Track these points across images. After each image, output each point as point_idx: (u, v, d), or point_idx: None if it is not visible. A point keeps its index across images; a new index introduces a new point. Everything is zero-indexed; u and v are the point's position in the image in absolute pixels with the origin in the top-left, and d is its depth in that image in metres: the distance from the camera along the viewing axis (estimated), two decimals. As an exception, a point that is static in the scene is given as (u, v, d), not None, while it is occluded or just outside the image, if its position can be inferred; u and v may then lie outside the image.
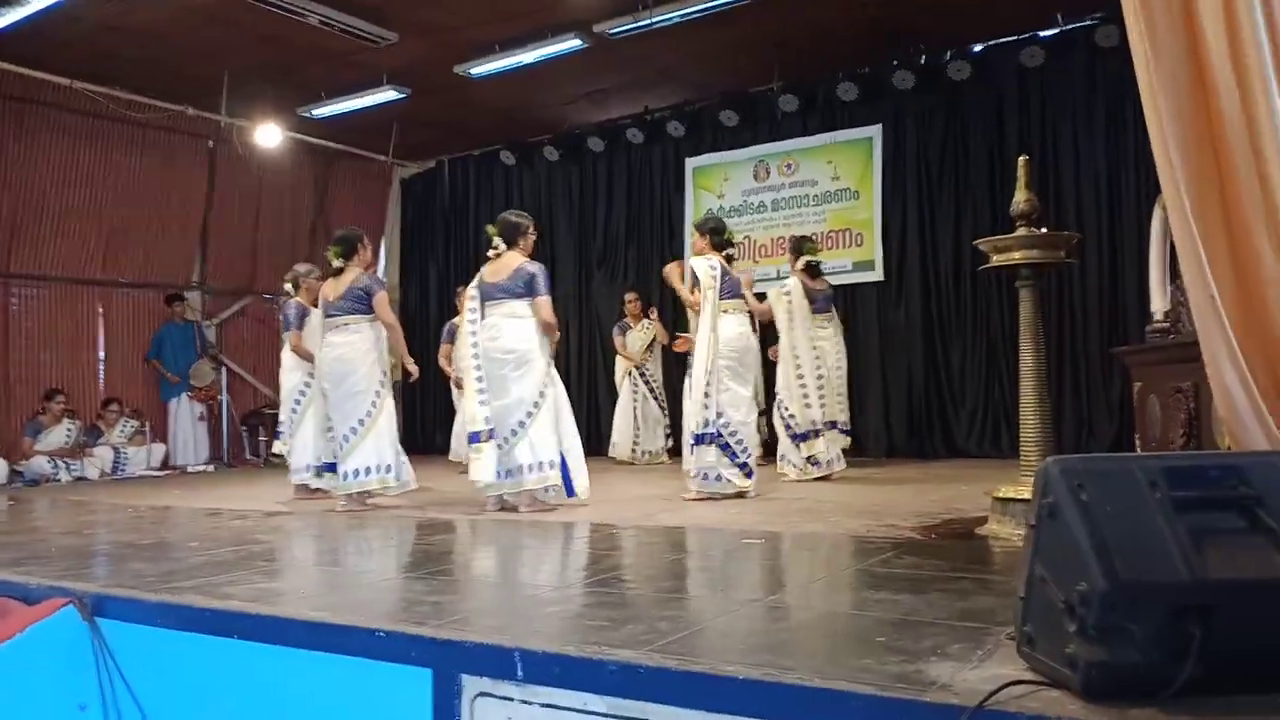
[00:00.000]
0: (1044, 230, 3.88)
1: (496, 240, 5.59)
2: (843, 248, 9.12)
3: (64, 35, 7.85)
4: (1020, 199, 3.84)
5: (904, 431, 8.80)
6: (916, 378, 8.76)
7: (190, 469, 9.94)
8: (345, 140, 11.14)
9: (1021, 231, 3.83)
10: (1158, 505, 1.88)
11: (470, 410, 5.48)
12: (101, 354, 10.09)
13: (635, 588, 3.18)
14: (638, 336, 9.07)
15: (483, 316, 5.53)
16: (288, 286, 7.04)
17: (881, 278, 8.92)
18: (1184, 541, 1.84)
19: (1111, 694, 1.79)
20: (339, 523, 5.26)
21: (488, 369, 5.44)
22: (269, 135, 9.89)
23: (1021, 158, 3.97)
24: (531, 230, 5.69)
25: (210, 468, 10.05)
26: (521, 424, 5.37)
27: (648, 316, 9.28)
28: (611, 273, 10.70)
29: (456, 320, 8.42)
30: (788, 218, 9.47)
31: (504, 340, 5.41)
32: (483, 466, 5.35)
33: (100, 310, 10.06)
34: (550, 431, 5.41)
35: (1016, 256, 3.82)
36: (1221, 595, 1.82)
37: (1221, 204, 2.30)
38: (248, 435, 10.84)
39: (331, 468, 6.01)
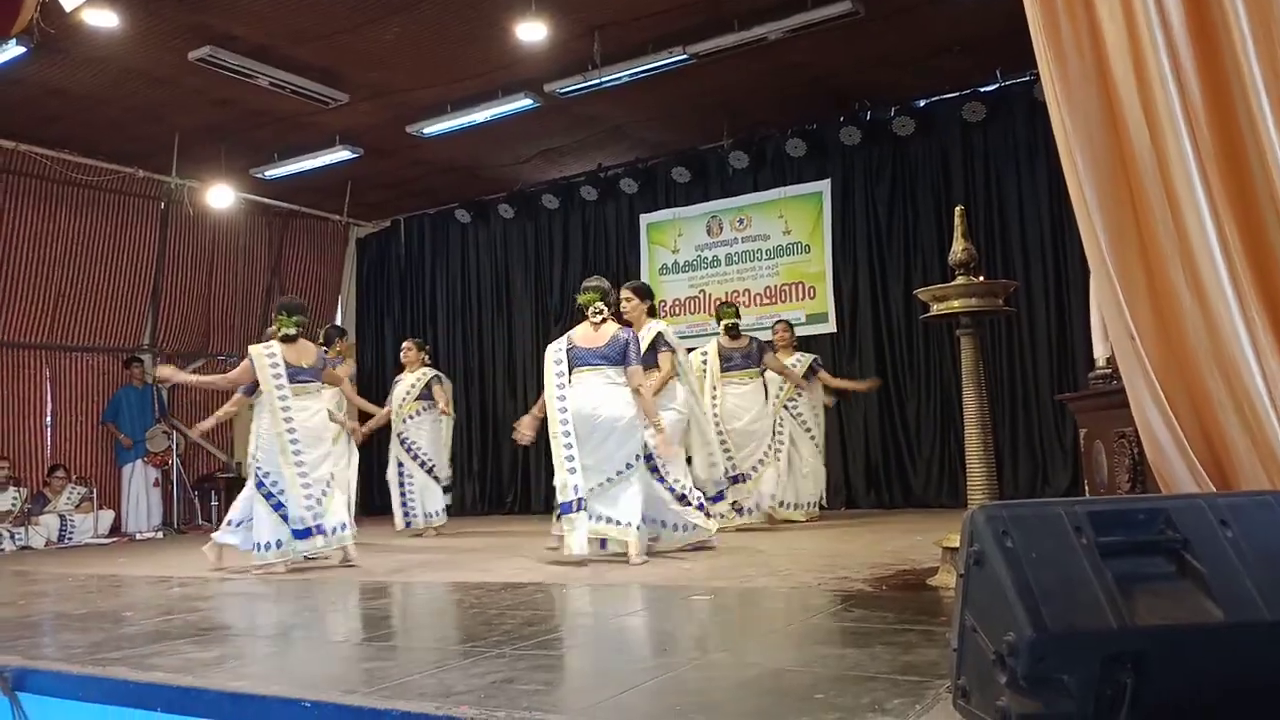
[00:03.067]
0: (982, 278, 3.91)
1: (600, 305, 5.55)
2: (796, 301, 9.19)
3: (4, 99, 7.80)
4: (958, 248, 3.87)
5: (862, 482, 8.80)
6: (873, 429, 8.78)
7: (139, 536, 9.69)
8: (299, 200, 11.12)
9: (960, 280, 3.86)
10: (1084, 551, 1.86)
11: (560, 479, 5.33)
12: (49, 419, 9.87)
13: (572, 648, 3.11)
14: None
15: (570, 382, 5.47)
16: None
17: (834, 329, 8.98)
18: (1112, 588, 1.82)
19: (1045, 746, 1.75)
20: (287, 589, 5.13)
21: (583, 433, 5.36)
22: (221, 196, 9.84)
23: (958, 209, 4.02)
24: None
25: (160, 534, 9.81)
26: (610, 480, 5.36)
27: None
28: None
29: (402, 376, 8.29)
30: (741, 272, 9.53)
31: (606, 408, 5.37)
32: (577, 539, 5.22)
33: (47, 375, 9.87)
34: (638, 498, 5.37)
35: (955, 305, 3.84)
36: (1152, 642, 1.80)
37: (1139, 244, 2.33)
38: (199, 500, 10.62)
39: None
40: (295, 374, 5.89)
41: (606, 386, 5.41)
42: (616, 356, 5.44)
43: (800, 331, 9.01)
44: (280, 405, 5.77)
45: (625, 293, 6.02)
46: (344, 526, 5.92)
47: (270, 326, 6.25)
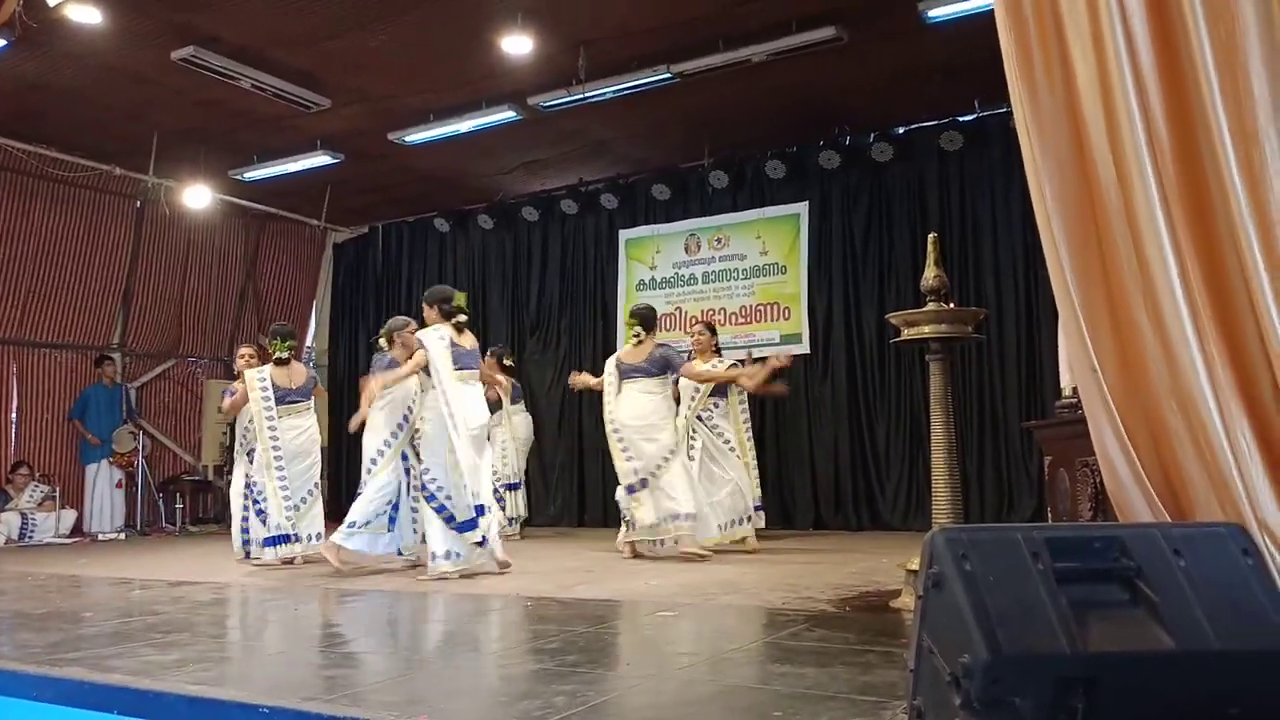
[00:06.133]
0: (953, 305, 3.96)
1: (639, 329, 6.62)
2: (770, 321, 9.24)
3: (-18, 92, 7.74)
4: (929, 275, 3.93)
5: (830, 504, 8.83)
6: (842, 451, 8.83)
7: (102, 537, 9.58)
8: (277, 204, 11.07)
9: (931, 306, 3.91)
10: (1040, 576, 1.89)
11: (620, 468, 6.49)
12: (14, 416, 9.75)
13: (537, 661, 3.11)
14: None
15: (619, 391, 6.57)
16: (382, 342, 6.58)
17: (808, 350, 9.03)
18: (1066, 613, 1.85)
19: (997, 769, 1.77)
20: (248, 594, 5.10)
21: (627, 435, 6.46)
22: (198, 197, 9.78)
23: (931, 236, 4.07)
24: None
25: (122, 535, 9.70)
26: (652, 474, 6.36)
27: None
28: (544, 341, 10.70)
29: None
30: (717, 290, 9.58)
31: (640, 411, 6.46)
32: (645, 511, 6.34)
33: (14, 371, 9.75)
34: (683, 487, 6.34)
35: (926, 330, 3.90)
36: (1104, 668, 1.83)
37: (1104, 279, 2.38)
38: (165, 503, 10.50)
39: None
40: (284, 395, 6.50)
41: (642, 395, 6.54)
42: (654, 369, 6.55)
43: (774, 352, 9.07)
44: (267, 425, 6.43)
45: None
46: (319, 536, 6.43)
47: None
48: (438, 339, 5.69)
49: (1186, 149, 2.31)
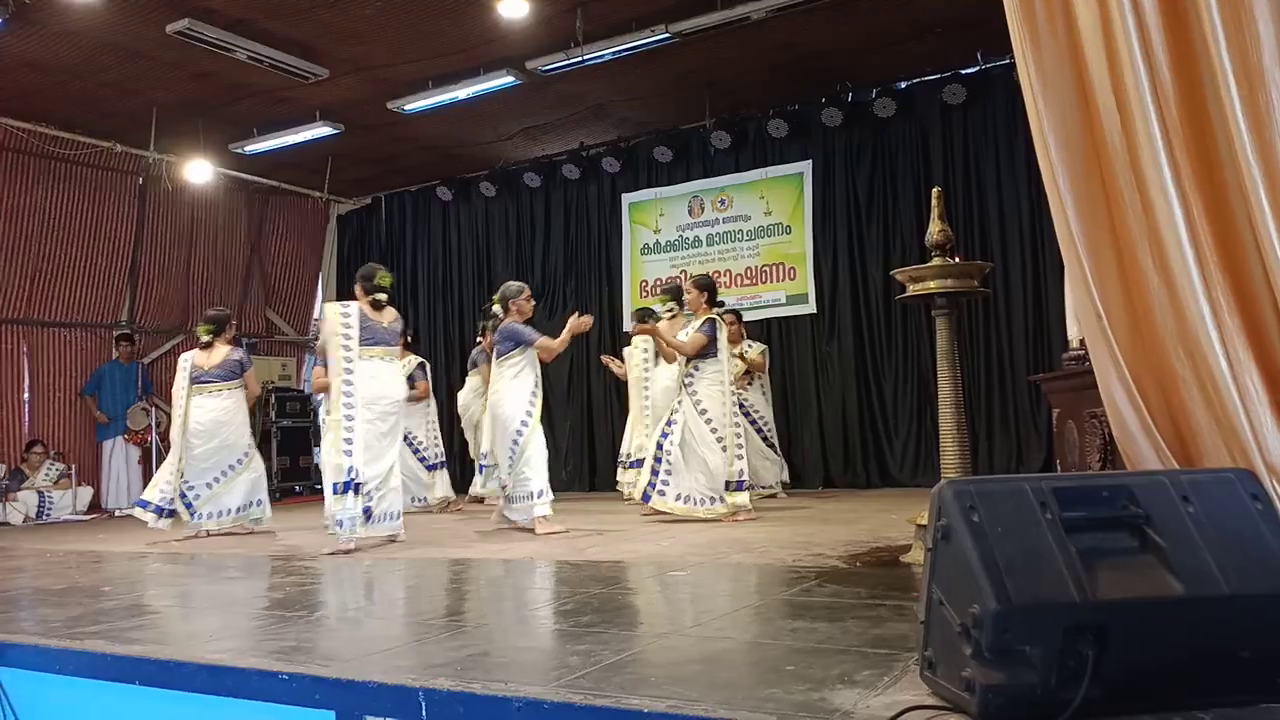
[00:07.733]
0: (958, 260, 3.94)
1: (672, 305, 6.77)
2: (776, 281, 9.22)
3: (-21, 72, 7.72)
4: (934, 230, 3.91)
5: (839, 463, 8.86)
6: (850, 409, 8.84)
7: (119, 513, 9.66)
8: (280, 176, 11.05)
9: (936, 261, 3.90)
10: (1049, 526, 1.90)
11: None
12: (26, 395, 9.80)
13: (551, 623, 3.14)
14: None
15: (655, 364, 6.99)
16: (496, 308, 6.43)
17: (814, 310, 9.02)
18: (1075, 562, 1.86)
19: (1008, 717, 1.79)
20: (260, 564, 5.14)
21: (654, 410, 6.89)
22: (200, 172, 9.77)
23: (935, 190, 4.05)
24: None
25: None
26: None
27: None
28: (550, 307, 10.69)
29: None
30: (722, 252, 9.55)
31: (668, 384, 6.80)
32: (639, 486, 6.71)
33: (25, 350, 9.79)
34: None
35: (931, 286, 3.88)
36: (1114, 615, 1.84)
37: (1109, 228, 2.36)
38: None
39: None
40: (199, 376, 6.81)
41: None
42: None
43: (780, 313, 9.09)
44: (179, 402, 6.78)
45: None
46: (228, 512, 6.75)
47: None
48: (339, 313, 5.55)
49: (1190, 92, 2.28)
